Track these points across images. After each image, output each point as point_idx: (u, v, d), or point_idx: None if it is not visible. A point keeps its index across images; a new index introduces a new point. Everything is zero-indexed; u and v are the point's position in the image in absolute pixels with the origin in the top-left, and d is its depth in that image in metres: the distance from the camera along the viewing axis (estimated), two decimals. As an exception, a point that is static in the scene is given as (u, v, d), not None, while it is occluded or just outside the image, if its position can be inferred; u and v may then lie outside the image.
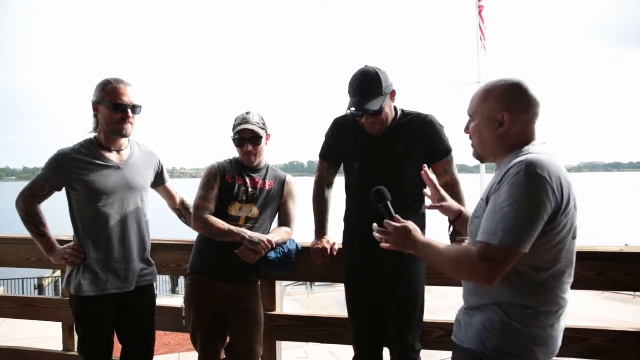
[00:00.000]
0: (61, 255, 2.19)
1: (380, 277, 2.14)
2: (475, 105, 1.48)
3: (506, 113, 1.40)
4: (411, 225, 1.51)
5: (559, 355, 2.10)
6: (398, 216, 1.55)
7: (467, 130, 1.53)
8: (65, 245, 2.21)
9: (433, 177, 1.82)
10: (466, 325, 1.47)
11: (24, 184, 2.26)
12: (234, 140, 2.36)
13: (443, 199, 1.77)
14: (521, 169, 1.29)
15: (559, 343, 1.43)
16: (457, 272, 1.40)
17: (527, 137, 1.42)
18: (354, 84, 2.06)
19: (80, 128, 2.26)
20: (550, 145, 1.42)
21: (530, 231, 1.27)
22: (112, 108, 2.13)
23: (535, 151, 1.37)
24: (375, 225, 1.54)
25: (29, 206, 2.18)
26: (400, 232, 1.50)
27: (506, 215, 1.27)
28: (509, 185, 1.30)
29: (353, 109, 2.05)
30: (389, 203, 1.59)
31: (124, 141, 2.26)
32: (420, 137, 2.13)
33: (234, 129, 2.35)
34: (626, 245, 2.27)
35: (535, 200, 1.26)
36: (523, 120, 1.41)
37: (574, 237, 1.37)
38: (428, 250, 1.45)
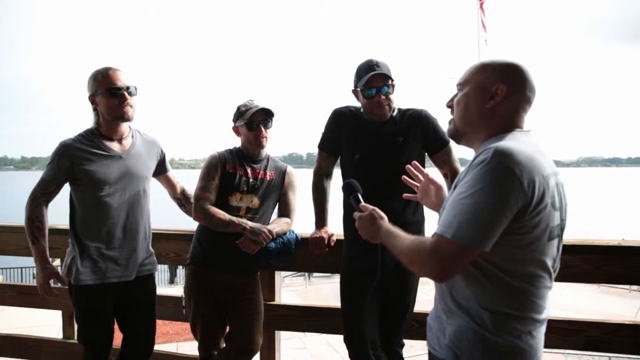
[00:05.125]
0: (47, 276, 2.15)
1: (377, 272, 2.15)
2: (467, 74, 1.34)
3: (501, 85, 1.26)
4: (376, 212, 1.45)
5: (556, 347, 2.13)
6: (366, 204, 1.50)
7: (450, 102, 1.39)
8: (51, 271, 2.17)
9: (428, 171, 1.79)
10: (438, 333, 1.33)
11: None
12: (245, 124, 2.31)
13: (428, 195, 1.67)
14: (487, 156, 1.13)
15: (540, 353, 1.27)
16: (410, 263, 1.26)
17: (513, 122, 1.29)
18: (370, 62, 2.14)
19: (79, 118, 2.26)
20: (533, 135, 1.30)
21: (490, 228, 1.12)
22: (109, 94, 2.13)
23: (511, 138, 1.22)
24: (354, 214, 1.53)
25: (34, 208, 2.15)
26: (366, 219, 1.45)
27: (464, 207, 1.13)
28: (472, 173, 1.15)
29: (371, 74, 2.09)
30: (359, 195, 1.58)
31: (125, 129, 2.25)
32: (418, 128, 2.19)
33: (242, 115, 2.32)
34: (623, 239, 2.28)
35: (499, 195, 1.11)
36: (516, 99, 1.28)
37: (550, 239, 1.21)
38: (389, 238, 1.36)
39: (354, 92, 2.22)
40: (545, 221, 1.18)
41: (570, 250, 1.36)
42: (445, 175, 2.23)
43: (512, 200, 1.11)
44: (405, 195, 1.77)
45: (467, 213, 1.13)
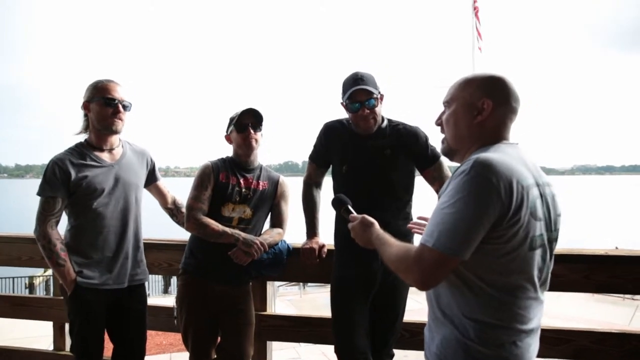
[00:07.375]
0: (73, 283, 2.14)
1: (366, 281, 2.16)
2: (452, 92, 1.37)
3: (487, 99, 1.30)
4: (365, 219, 1.49)
5: (544, 356, 2.14)
6: (355, 215, 1.56)
7: (438, 120, 1.42)
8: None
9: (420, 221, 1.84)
10: (429, 342, 1.37)
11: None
12: (234, 127, 2.33)
13: None
14: (467, 167, 1.18)
15: None
16: (396, 270, 1.29)
17: (500, 134, 1.33)
18: (355, 76, 2.15)
19: (74, 125, 2.30)
20: (520, 147, 1.33)
21: (468, 237, 1.15)
22: (104, 103, 2.18)
23: (494, 150, 1.25)
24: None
25: (50, 232, 2.13)
26: (357, 228, 1.50)
27: (445, 216, 1.18)
28: (453, 184, 1.20)
29: (353, 89, 2.10)
30: (348, 206, 1.64)
31: (115, 140, 2.28)
32: (407, 145, 2.22)
33: (232, 120, 2.35)
34: (616, 247, 2.31)
35: (477, 204, 1.15)
36: (502, 112, 1.32)
37: (531, 249, 1.22)
38: (379, 244, 1.40)
39: (342, 104, 2.25)
40: (525, 230, 1.20)
41: (557, 260, 1.38)
42: (437, 192, 2.27)
43: (489, 210, 1.15)
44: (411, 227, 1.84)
45: (447, 222, 1.17)
